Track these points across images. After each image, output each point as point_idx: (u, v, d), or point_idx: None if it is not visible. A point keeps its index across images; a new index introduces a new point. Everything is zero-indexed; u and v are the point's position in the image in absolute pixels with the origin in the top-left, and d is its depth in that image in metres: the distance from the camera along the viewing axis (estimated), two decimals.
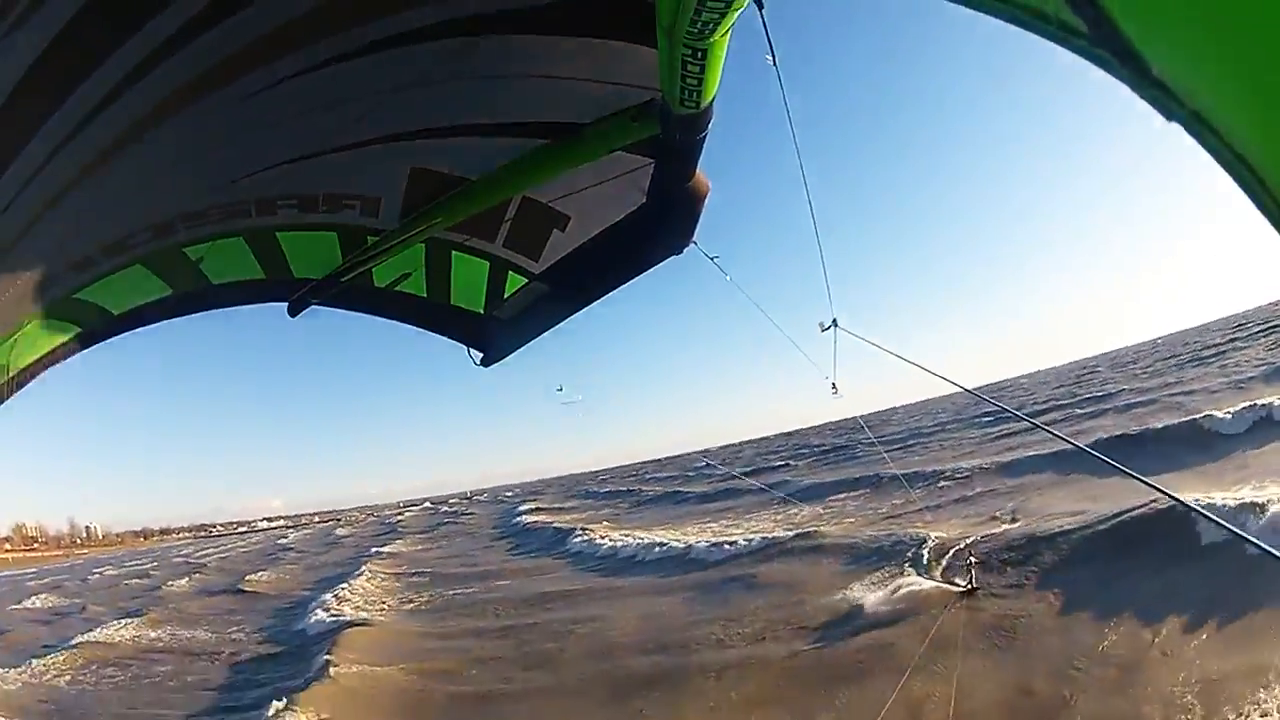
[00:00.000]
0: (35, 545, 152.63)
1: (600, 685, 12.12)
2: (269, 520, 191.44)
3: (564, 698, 12.13)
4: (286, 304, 3.17)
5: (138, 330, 2.85)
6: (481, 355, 3.78)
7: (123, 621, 24.50)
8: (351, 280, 3.12)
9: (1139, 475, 2.46)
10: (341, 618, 20.24)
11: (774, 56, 2.55)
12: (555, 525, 37.11)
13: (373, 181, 2.77)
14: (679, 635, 13.84)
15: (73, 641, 21.22)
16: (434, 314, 3.62)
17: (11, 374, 2.39)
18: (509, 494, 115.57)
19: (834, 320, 4.28)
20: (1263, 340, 43.81)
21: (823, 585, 15.05)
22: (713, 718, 10.21)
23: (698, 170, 2.92)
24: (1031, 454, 23.93)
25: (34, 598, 37.19)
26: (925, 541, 15.61)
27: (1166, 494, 2.68)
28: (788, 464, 48.61)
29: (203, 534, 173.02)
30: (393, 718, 12.45)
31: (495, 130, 2.65)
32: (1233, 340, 50.97)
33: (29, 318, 2.31)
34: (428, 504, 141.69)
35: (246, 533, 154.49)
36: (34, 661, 18.84)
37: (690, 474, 57.51)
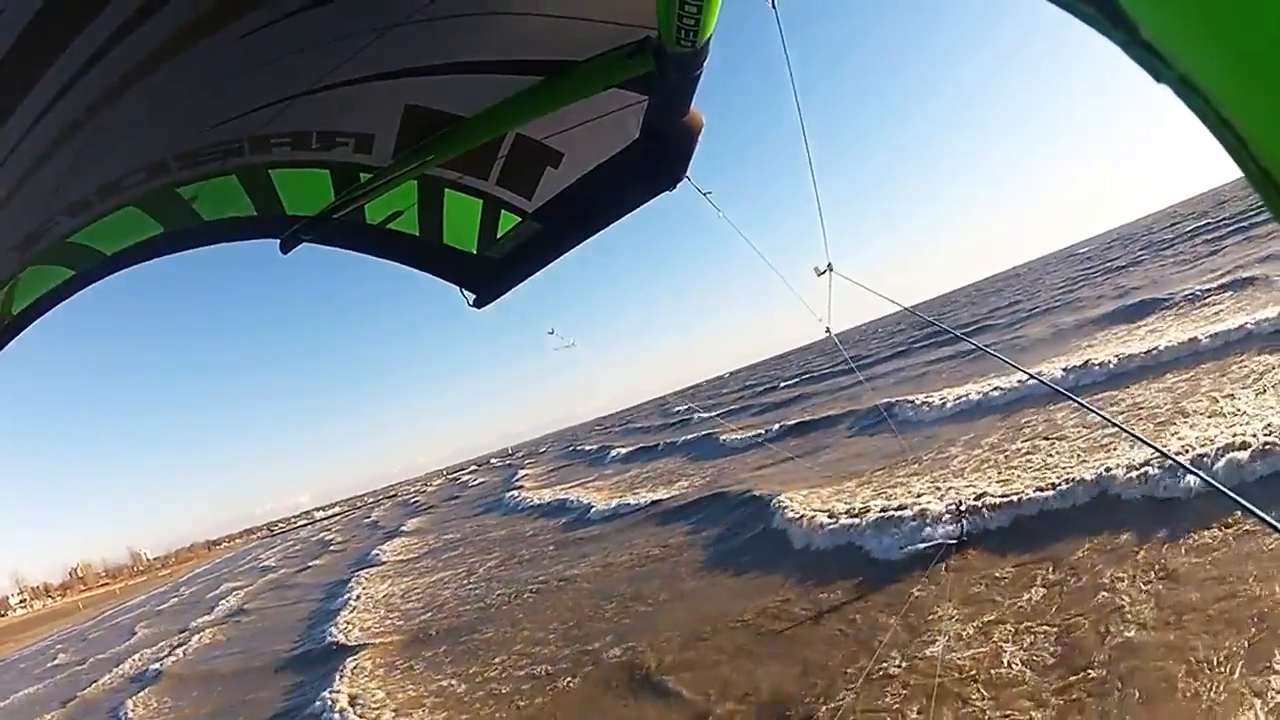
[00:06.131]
0: (105, 580, 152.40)
1: None
2: (322, 510, 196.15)
3: None
4: (279, 241, 3.17)
5: (133, 266, 2.86)
6: (475, 296, 3.76)
7: None
8: (344, 217, 3.13)
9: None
10: None
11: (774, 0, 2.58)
12: None
13: (366, 119, 2.77)
14: None
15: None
16: (426, 253, 3.58)
17: (9, 320, 2.45)
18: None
19: (829, 265, 4.38)
20: None
21: None
22: None
23: (692, 106, 2.94)
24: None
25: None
26: None
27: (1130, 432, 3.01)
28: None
29: (258, 535, 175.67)
30: None
31: (490, 68, 2.64)
32: None
33: (26, 264, 2.34)
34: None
35: (305, 524, 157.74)
36: None
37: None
